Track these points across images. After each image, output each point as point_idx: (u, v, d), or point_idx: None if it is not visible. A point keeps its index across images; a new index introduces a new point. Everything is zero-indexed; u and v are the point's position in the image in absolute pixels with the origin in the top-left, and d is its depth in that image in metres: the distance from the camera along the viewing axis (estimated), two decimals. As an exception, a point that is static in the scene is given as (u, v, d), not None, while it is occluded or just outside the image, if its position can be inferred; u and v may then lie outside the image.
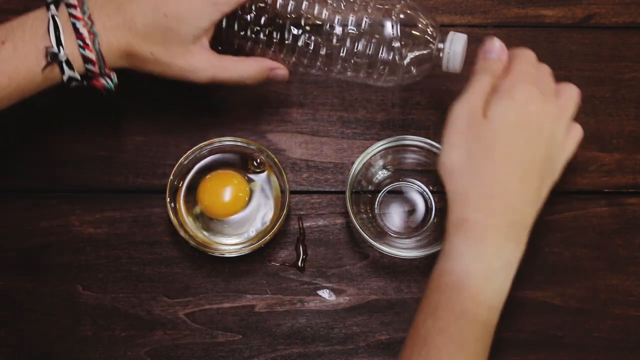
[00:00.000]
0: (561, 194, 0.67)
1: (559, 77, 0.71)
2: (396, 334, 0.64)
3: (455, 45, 0.60)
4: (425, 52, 0.58)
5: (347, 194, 0.63)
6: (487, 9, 0.73)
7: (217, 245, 0.64)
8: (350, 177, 0.63)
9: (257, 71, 0.60)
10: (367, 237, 0.62)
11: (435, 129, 0.69)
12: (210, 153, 0.65)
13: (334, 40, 0.56)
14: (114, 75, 0.57)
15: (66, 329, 0.64)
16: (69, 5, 0.55)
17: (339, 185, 0.68)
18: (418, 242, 0.65)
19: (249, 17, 0.59)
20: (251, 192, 0.65)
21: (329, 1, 0.58)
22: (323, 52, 0.56)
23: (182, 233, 0.62)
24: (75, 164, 0.68)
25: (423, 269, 0.65)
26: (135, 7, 0.55)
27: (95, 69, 0.56)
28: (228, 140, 0.65)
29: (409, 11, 0.57)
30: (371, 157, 0.65)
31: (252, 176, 0.66)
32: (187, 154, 0.64)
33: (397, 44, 0.56)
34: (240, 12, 0.60)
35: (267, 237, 0.62)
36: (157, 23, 0.55)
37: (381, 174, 0.68)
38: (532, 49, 0.71)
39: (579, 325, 0.64)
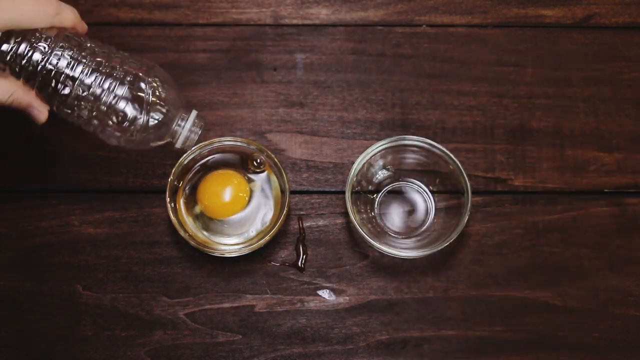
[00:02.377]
0: (561, 194, 0.67)
1: (559, 77, 0.71)
2: (396, 334, 0.64)
3: (185, 124, 0.60)
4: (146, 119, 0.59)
5: (347, 194, 0.63)
6: (487, 9, 0.73)
7: (217, 245, 0.64)
8: (350, 177, 0.63)
9: (13, 99, 0.55)
10: (367, 237, 0.62)
11: (435, 129, 0.69)
12: (210, 153, 0.65)
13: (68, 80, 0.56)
14: None
15: (66, 329, 0.64)
16: None
17: (339, 185, 0.68)
18: (418, 242, 0.65)
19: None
20: (251, 192, 0.65)
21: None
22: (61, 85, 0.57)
23: (182, 233, 0.62)
24: (75, 164, 0.68)
25: (423, 269, 0.65)
26: None
27: None
28: (228, 140, 0.65)
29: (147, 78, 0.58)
30: (371, 157, 0.65)
31: (252, 176, 0.66)
32: (187, 154, 0.64)
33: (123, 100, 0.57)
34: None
35: (267, 237, 0.62)
36: None
37: (381, 174, 0.68)
38: (532, 49, 0.72)
39: (579, 325, 0.64)
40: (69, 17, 0.56)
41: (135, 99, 0.58)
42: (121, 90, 0.57)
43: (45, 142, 0.68)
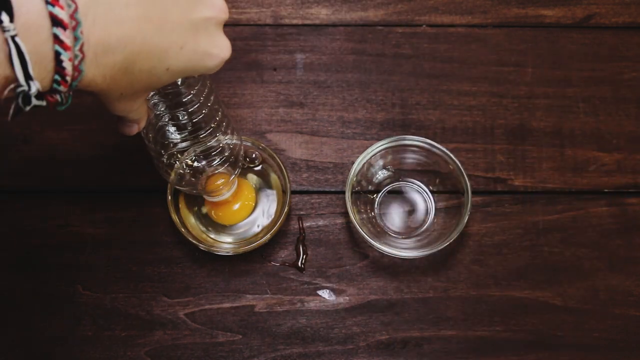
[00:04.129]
0: (561, 194, 0.67)
1: (559, 77, 0.71)
2: (396, 334, 0.64)
3: None
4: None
5: (347, 194, 0.63)
6: (487, 9, 0.73)
7: (218, 245, 0.64)
8: (350, 177, 0.63)
9: (137, 119, 0.53)
10: (367, 237, 0.62)
11: (435, 129, 0.69)
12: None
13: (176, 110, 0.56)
14: (70, 95, 0.44)
15: (66, 329, 0.64)
16: (56, 22, 0.38)
17: (339, 185, 0.68)
18: (418, 242, 0.65)
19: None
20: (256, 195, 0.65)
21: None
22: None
23: (183, 232, 0.62)
24: (75, 164, 0.68)
25: (423, 269, 0.65)
26: (142, 48, 0.43)
27: (57, 97, 0.42)
28: (227, 140, 0.65)
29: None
30: (371, 157, 0.65)
31: (250, 175, 0.66)
32: (187, 154, 0.64)
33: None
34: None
35: (267, 237, 0.62)
36: (153, 73, 0.46)
37: (381, 174, 0.68)
38: (532, 49, 0.72)
39: (579, 325, 0.64)
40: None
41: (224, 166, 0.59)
42: (216, 159, 0.58)
43: (45, 142, 0.68)
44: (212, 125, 0.56)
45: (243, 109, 0.70)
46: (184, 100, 0.55)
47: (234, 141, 0.59)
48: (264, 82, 0.71)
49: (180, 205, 0.65)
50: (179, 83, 0.54)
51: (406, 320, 0.64)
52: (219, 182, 0.60)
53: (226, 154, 0.58)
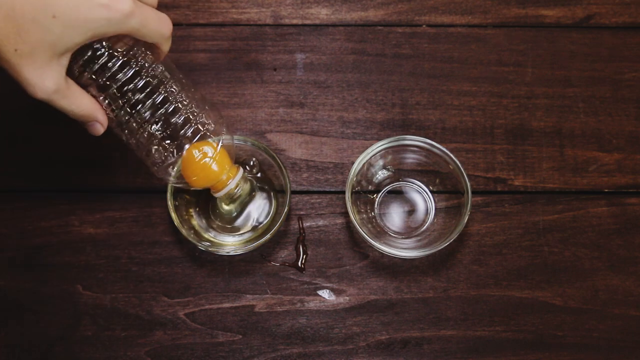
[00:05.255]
0: (561, 194, 0.68)
1: (559, 77, 0.71)
2: (396, 334, 0.64)
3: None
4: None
5: (347, 194, 0.63)
6: (487, 9, 0.73)
7: (218, 245, 0.64)
8: (350, 177, 0.63)
9: (87, 114, 0.53)
10: (367, 237, 0.62)
11: (435, 129, 0.69)
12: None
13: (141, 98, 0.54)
14: None
15: (66, 329, 0.64)
16: None
17: (339, 185, 0.68)
18: (418, 242, 0.65)
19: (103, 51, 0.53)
20: (252, 190, 0.65)
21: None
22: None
23: (183, 231, 0.62)
24: (75, 164, 0.68)
25: (423, 269, 0.65)
26: None
27: None
28: (227, 140, 0.65)
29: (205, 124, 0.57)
30: (371, 157, 0.65)
31: (250, 177, 0.66)
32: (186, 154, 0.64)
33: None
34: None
35: (267, 237, 0.62)
36: (40, 22, 0.46)
37: (381, 174, 0.68)
38: (532, 49, 0.72)
39: (579, 325, 0.64)
40: (158, 32, 0.53)
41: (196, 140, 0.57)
42: (187, 130, 0.56)
43: (45, 142, 0.68)
44: (171, 99, 0.54)
45: (243, 109, 0.70)
46: (114, 67, 0.53)
47: (203, 119, 0.57)
48: (264, 82, 0.71)
49: (180, 205, 0.65)
50: (101, 46, 0.52)
51: (406, 320, 0.64)
52: (209, 166, 0.57)
53: (197, 124, 0.56)
